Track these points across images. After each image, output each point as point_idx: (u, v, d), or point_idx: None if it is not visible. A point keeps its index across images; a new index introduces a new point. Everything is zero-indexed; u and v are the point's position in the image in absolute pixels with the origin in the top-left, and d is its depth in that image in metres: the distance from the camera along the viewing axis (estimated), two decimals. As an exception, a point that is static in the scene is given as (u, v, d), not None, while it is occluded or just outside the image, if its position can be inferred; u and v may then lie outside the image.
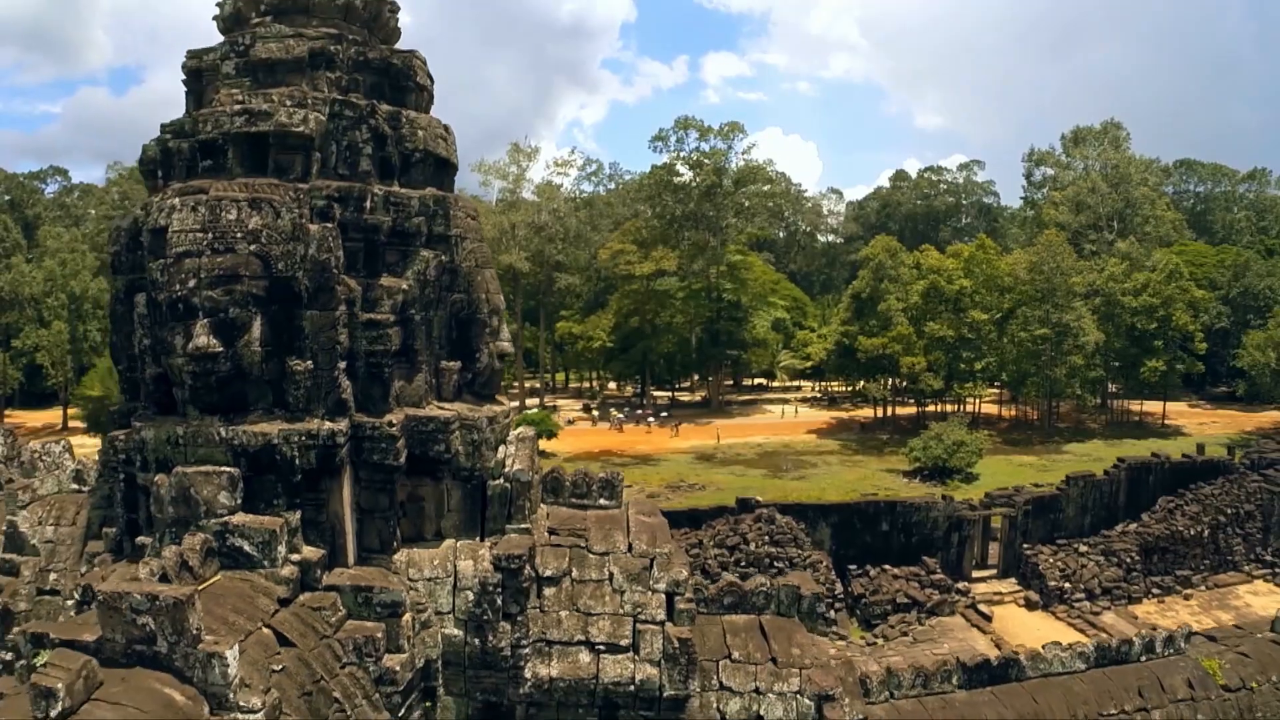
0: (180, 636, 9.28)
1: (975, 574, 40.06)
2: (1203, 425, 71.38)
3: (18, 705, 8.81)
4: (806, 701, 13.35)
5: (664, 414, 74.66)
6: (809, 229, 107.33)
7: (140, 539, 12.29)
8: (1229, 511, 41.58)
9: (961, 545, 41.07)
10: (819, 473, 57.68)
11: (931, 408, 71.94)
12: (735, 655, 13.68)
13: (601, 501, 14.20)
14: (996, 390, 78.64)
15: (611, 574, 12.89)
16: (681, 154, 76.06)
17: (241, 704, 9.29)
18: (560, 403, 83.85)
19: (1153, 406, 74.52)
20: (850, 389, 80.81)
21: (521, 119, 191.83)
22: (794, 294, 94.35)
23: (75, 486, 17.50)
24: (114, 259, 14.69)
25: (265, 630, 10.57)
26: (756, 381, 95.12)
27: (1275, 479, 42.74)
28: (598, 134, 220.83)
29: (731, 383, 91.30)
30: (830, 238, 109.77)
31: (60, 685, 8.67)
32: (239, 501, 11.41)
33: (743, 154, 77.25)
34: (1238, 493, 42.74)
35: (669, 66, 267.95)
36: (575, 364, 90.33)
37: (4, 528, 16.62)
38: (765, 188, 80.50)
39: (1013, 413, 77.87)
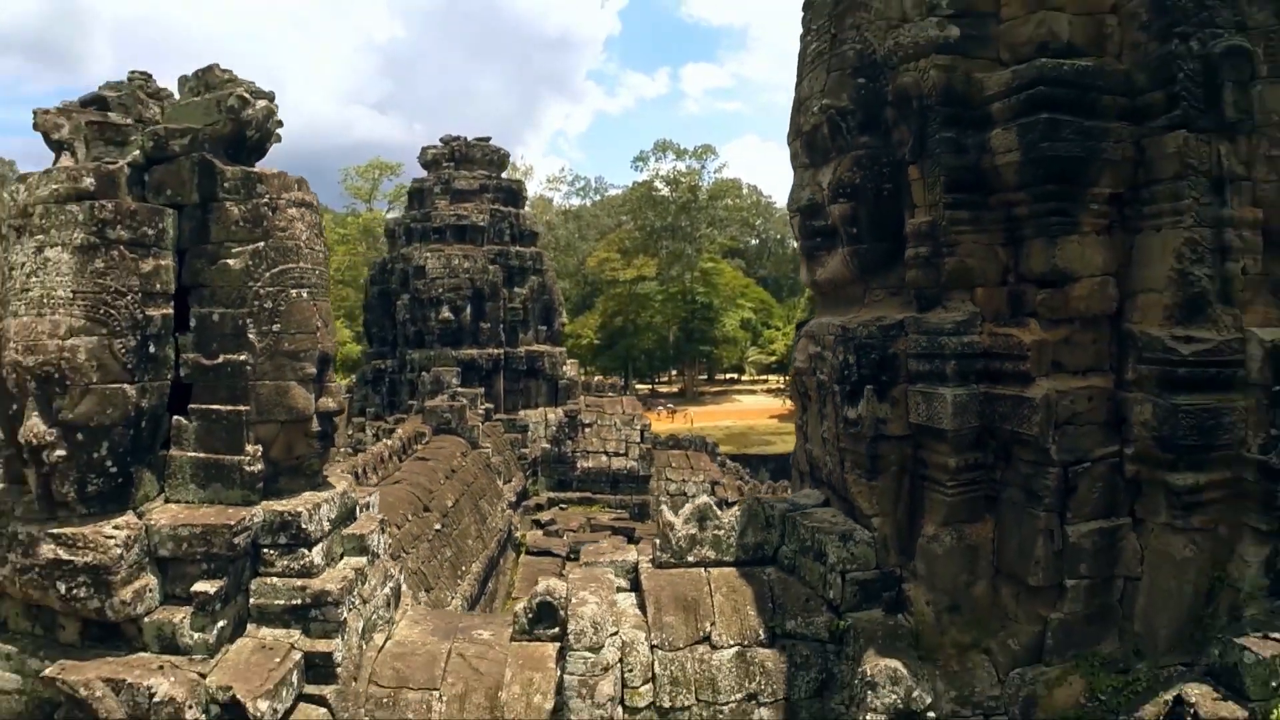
0: (460, 420, 27.78)
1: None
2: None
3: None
4: (707, 484, 32.11)
5: (670, 405, 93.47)
6: (779, 236, 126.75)
7: (409, 402, 30.82)
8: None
9: (870, 488, 60.23)
10: (776, 449, 76.71)
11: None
12: (674, 465, 32.43)
13: (609, 394, 32.96)
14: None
15: (615, 422, 31.56)
16: (660, 173, 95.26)
17: (483, 445, 27.83)
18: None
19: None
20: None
21: (510, 128, 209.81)
22: (761, 297, 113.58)
23: (331, 396, 36.07)
24: (370, 277, 33.47)
25: (478, 428, 29.09)
26: (728, 375, 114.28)
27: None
28: (582, 143, 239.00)
29: (705, 376, 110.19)
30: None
31: (427, 430, 27.15)
32: (459, 383, 29.93)
33: (715, 172, 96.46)
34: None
35: (651, 78, 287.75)
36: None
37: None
38: (736, 200, 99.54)
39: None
